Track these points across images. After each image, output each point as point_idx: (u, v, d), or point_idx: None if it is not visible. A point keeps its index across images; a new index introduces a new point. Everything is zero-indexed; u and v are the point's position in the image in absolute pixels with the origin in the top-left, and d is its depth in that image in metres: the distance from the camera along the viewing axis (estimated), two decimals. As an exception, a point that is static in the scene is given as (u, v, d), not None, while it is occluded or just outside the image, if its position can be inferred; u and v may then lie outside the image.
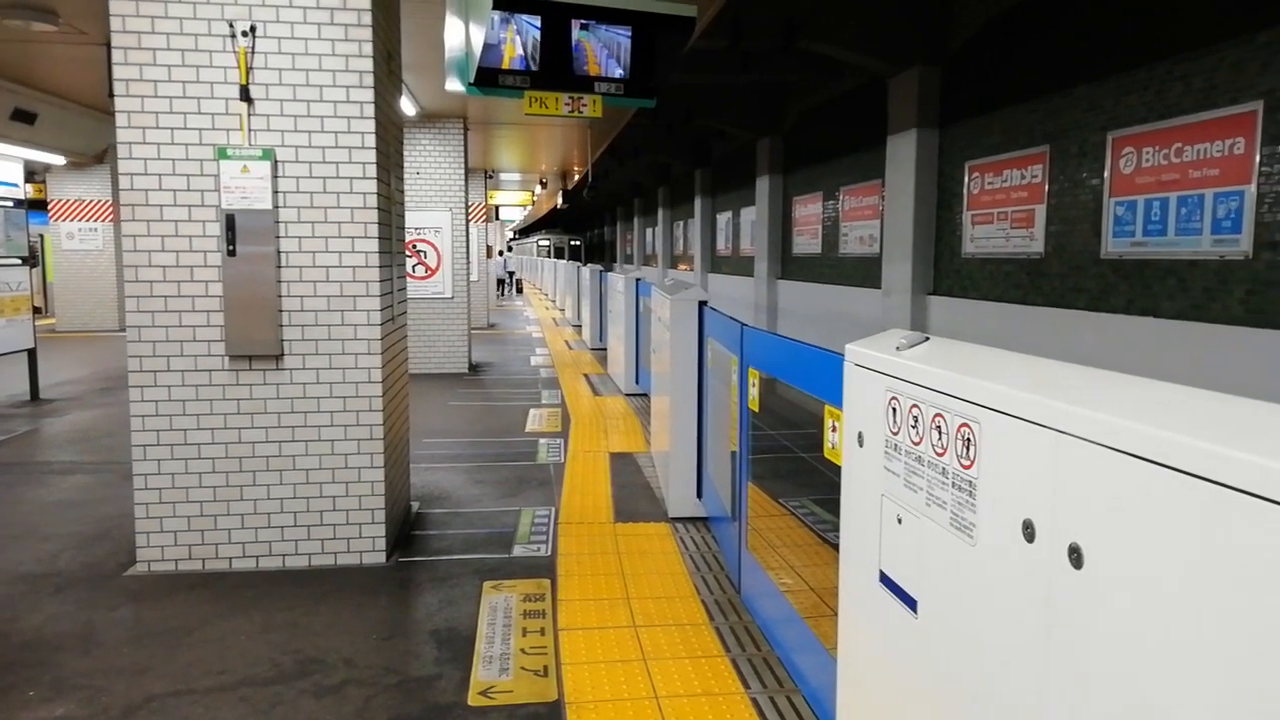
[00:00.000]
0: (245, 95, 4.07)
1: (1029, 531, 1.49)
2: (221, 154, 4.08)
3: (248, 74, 4.07)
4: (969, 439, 1.70)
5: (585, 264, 18.68)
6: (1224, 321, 5.16)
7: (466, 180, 11.46)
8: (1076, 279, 6.48)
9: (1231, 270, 5.13)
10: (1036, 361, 1.79)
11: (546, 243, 48.47)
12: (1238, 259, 5.07)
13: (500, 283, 31.00)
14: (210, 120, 4.09)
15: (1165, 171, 5.61)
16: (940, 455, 1.81)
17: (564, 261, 26.03)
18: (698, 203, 18.14)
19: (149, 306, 4.16)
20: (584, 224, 48.39)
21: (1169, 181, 5.57)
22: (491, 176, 18.71)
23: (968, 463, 1.70)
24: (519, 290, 35.30)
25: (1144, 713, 1.23)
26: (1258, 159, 4.92)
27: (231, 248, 4.12)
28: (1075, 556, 1.36)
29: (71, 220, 15.80)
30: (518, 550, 4.68)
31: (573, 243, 46.77)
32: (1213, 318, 5.25)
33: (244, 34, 4.04)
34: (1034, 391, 1.51)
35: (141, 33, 4.00)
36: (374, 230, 4.26)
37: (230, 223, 4.11)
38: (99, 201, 15.79)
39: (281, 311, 4.24)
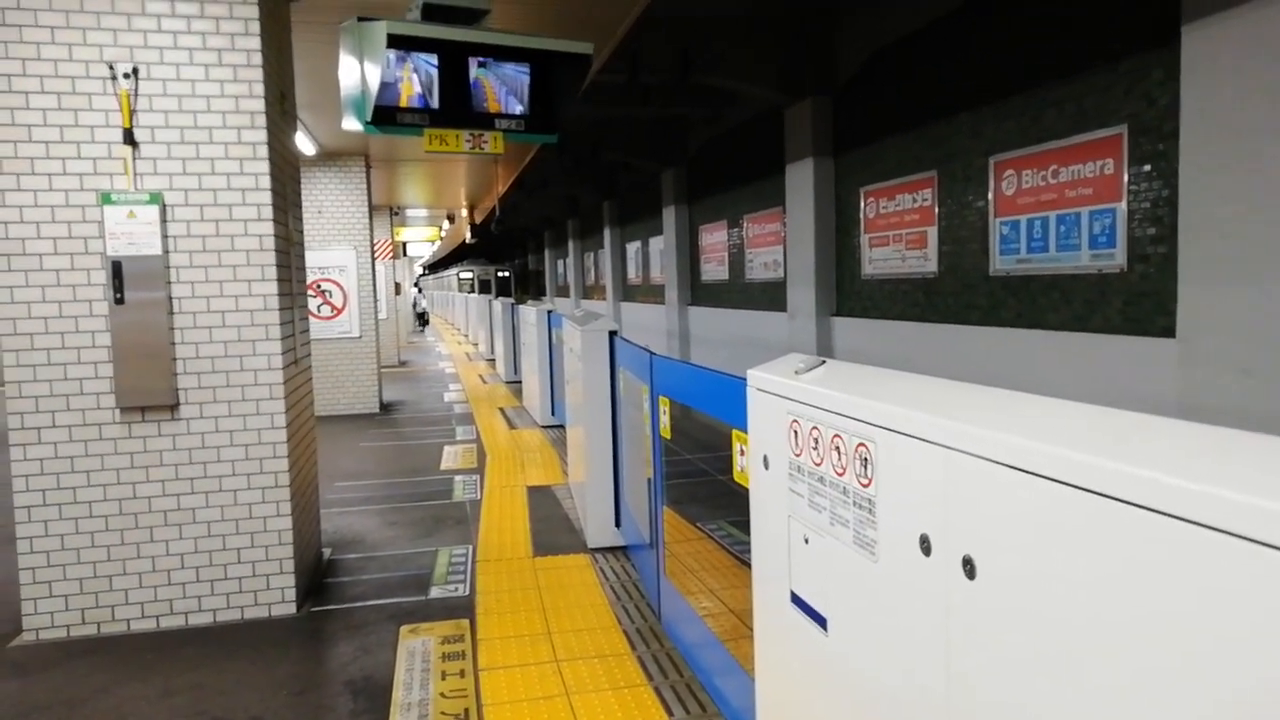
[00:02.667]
0: (129, 139, 3.94)
1: (925, 546, 1.54)
2: (105, 199, 3.93)
3: (131, 117, 3.94)
4: (866, 458, 1.75)
5: (516, 298, 18.49)
6: (1105, 331, 5.46)
7: (371, 217, 11.30)
8: (969, 296, 6.77)
9: (1109, 283, 5.43)
10: (928, 381, 1.86)
11: (469, 275, 39.33)
12: (1114, 272, 5.37)
13: (419, 316, 35.02)
14: (92, 165, 3.94)
15: (1044, 192, 5.92)
16: (840, 475, 1.87)
17: (476, 296, 25.68)
18: (607, 233, 18.28)
19: (30, 360, 3.95)
20: (506, 254, 42.29)
21: (1048, 201, 5.89)
22: (397, 213, 18.47)
23: (866, 481, 1.76)
24: (426, 322, 37.20)
25: (1038, 717, 1.28)
26: (1126, 178, 5.25)
27: (119, 295, 3.96)
28: (969, 568, 1.41)
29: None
30: (435, 592, 4.58)
31: (500, 274, 38.40)
32: (1094, 328, 5.55)
33: (125, 76, 3.91)
34: (925, 410, 1.58)
35: (12, 75, 3.83)
36: (272, 273, 4.16)
37: (117, 270, 3.95)
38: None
39: (175, 359, 4.09)
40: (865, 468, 1.76)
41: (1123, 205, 5.28)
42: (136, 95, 3.95)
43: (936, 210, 7.13)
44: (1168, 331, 4.95)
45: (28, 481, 4.00)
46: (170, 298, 4.06)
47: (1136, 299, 5.24)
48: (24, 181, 3.89)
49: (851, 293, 8.57)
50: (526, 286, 35.87)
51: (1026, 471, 1.27)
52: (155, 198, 3.98)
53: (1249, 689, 0.95)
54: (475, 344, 23.29)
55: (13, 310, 3.92)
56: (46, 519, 4.02)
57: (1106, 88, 5.38)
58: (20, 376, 3.95)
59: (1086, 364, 5.55)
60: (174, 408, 4.10)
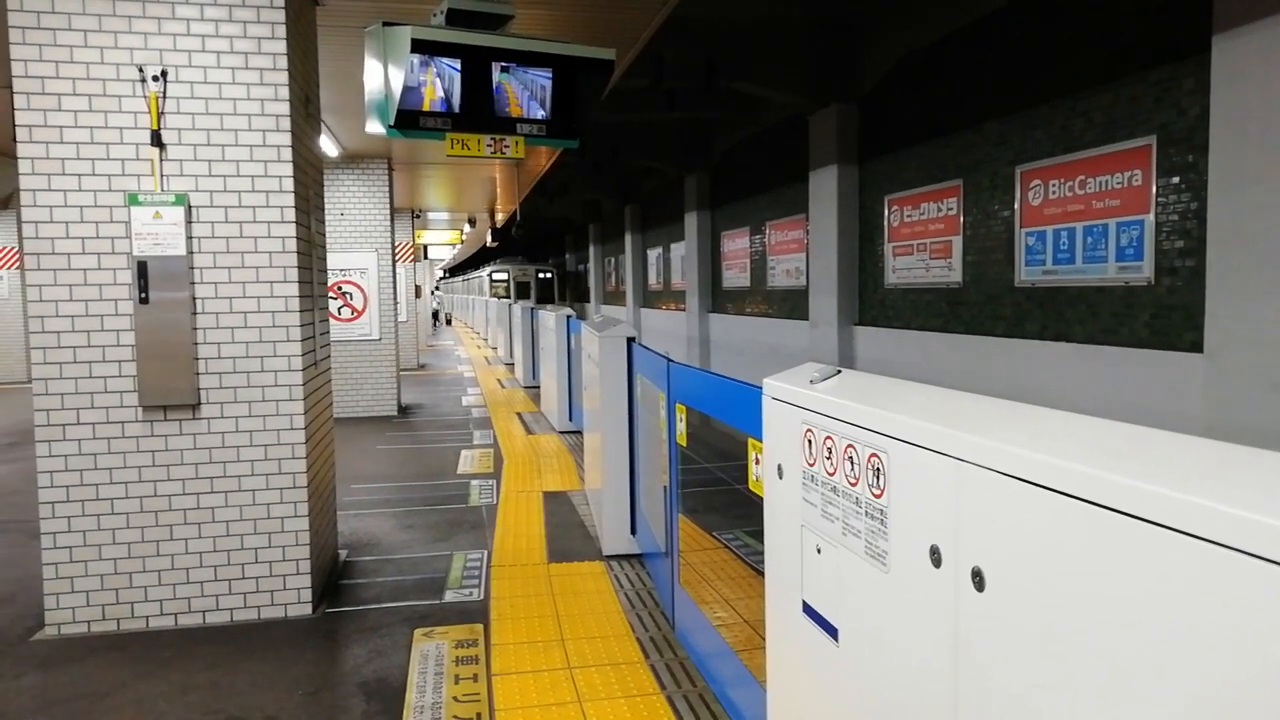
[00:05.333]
0: (157, 140, 3.99)
1: (936, 557, 1.52)
2: (133, 200, 3.98)
3: (159, 119, 3.99)
4: (879, 469, 1.74)
5: (560, 304, 18.03)
6: (1132, 345, 5.39)
7: (393, 220, 11.37)
8: (993, 307, 6.70)
9: (1136, 295, 5.36)
10: (942, 392, 1.85)
11: (502, 276, 31.31)
12: (1141, 285, 5.31)
13: (434, 314, 35.30)
14: (120, 166, 3.99)
15: (1071, 203, 5.86)
16: (853, 485, 1.85)
17: (496, 300, 25.26)
18: (628, 238, 18.29)
19: (56, 358, 4.01)
20: (541, 254, 35.90)
21: (1075, 212, 5.82)
22: (419, 216, 18.59)
23: (878, 492, 1.74)
24: (448, 322, 37.34)
25: (1048, 732, 1.26)
26: (1154, 189, 5.18)
27: (144, 295, 4.01)
28: (978, 580, 1.40)
29: (-24, 269, 15.18)
30: (449, 595, 4.59)
31: (541, 275, 31.01)
32: (1121, 341, 5.48)
33: (155, 79, 3.96)
34: (937, 422, 1.56)
35: (45, 77, 3.89)
36: (293, 274, 4.19)
37: (142, 270, 4.00)
38: (3, 249, 15.19)
39: (197, 359, 4.13)
40: (878, 478, 1.74)
41: (1151, 217, 5.22)
42: (165, 98, 4.00)
43: (961, 219, 7.07)
44: (1195, 346, 4.88)
45: (52, 478, 4.05)
46: (194, 298, 4.10)
47: (1164, 312, 5.17)
48: (54, 182, 3.95)
49: (874, 302, 8.52)
50: (575, 290, 29.82)
51: (1037, 485, 1.25)
52: (181, 199, 4.03)
53: (1265, 705, 0.93)
54: (494, 348, 23.37)
55: (41, 308, 3.98)
56: (70, 515, 4.07)
57: (1136, 98, 5.32)
58: (47, 374, 4.01)
59: (1112, 378, 5.48)
60: (195, 407, 4.14)
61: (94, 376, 4.05)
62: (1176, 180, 5.03)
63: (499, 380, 15.79)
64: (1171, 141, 5.06)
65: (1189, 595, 1.01)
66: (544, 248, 36.57)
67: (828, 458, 1.98)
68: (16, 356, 15.34)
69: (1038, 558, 1.26)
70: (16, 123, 3.90)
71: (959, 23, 6.95)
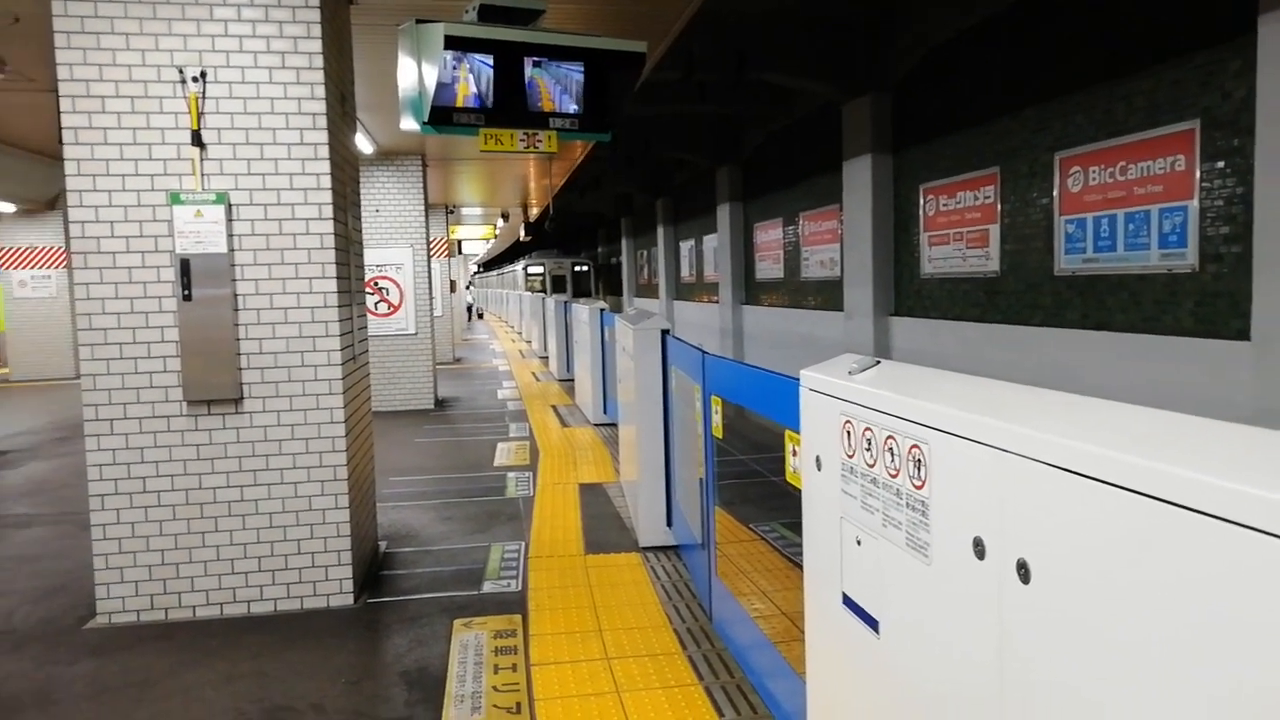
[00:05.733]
0: (197, 140, 4.06)
1: (979, 549, 1.51)
2: (175, 199, 4.05)
3: (199, 119, 4.06)
4: (919, 460, 1.73)
5: (594, 298, 17.99)
6: (1175, 333, 5.28)
7: (427, 216, 11.46)
8: (1032, 296, 6.61)
9: (1180, 283, 5.25)
10: (983, 382, 1.83)
11: (538, 270, 30.38)
12: (1185, 272, 5.20)
13: (468, 308, 35.37)
14: (162, 166, 4.06)
15: (1112, 189, 5.75)
16: (894, 477, 1.84)
17: (530, 294, 25.26)
18: (660, 231, 18.27)
19: (104, 354, 4.10)
20: (576, 246, 34.77)
21: (1116, 199, 5.72)
22: (453, 211, 18.71)
23: (919, 483, 1.73)
24: (480, 316, 38.14)
25: (1095, 724, 1.25)
26: (1198, 174, 5.07)
27: (187, 292, 4.09)
28: (1023, 571, 1.38)
29: (24, 268, 15.53)
30: (488, 586, 4.63)
31: (578, 268, 30.34)
32: (1164, 330, 5.37)
33: (194, 79, 4.03)
34: (979, 412, 1.55)
35: (90, 80, 3.98)
36: (332, 270, 4.24)
37: (185, 267, 4.08)
38: (51, 248, 15.54)
39: (240, 354, 4.20)
40: (918, 469, 1.73)
41: (1194, 203, 5.11)
42: (204, 98, 4.07)
43: (999, 208, 6.98)
44: (1242, 334, 4.78)
45: (101, 471, 4.15)
46: (235, 294, 4.17)
47: (1209, 300, 5.06)
48: (99, 182, 4.04)
49: (910, 292, 8.43)
50: (608, 284, 28.99)
51: (1082, 475, 1.24)
52: (221, 197, 4.10)
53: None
54: (529, 341, 23.46)
55: (88, 306, 4.08)
56: (118, 507, 4.17)
57: (1179, 81, 5.21)
58: (94, 370, 4.10)
59: (1156, 367, 5.38)
60: (238, 401, 4.22)
61: (139, 372, 4.13)
62: (1221, 165, 4.92)
63: (534, 374, 15.86)
64: (1216, 125, 4.95)
65: (1245, 587, 0.99)
66: (577, 241, 36.52)
67: (867, 449, 1.97)
68: (65, 353, 15.70)
69: (1086, 549, 1.25)
70: (62, 125, 3.99)
71: (994, 6, 6.84)
